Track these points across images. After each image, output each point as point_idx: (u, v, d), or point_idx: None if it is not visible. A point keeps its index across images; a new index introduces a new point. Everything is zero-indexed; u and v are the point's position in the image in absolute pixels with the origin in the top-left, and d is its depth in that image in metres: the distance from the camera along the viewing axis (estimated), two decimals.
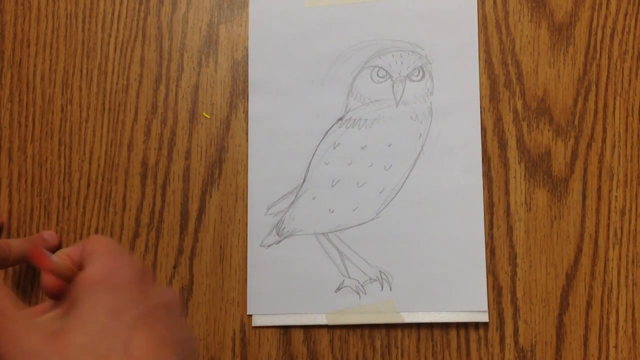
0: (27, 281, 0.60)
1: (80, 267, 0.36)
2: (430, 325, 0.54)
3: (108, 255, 0.36)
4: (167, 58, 0.61)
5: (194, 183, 0.59)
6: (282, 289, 0.57)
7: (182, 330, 0.36)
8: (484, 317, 0.53)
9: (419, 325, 0.54)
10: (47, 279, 0.35)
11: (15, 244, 0.55)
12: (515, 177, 0.55)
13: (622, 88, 0.54)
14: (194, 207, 0.59)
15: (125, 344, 0.33)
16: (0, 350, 0.32)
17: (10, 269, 0.60)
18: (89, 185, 0.60)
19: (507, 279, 0.54)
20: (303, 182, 0.58)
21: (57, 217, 0.60)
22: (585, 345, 0.52)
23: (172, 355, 0.34)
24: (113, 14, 0.62)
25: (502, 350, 0.53)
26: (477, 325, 0.54)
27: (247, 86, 0.59)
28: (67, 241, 0.60)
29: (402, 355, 0.54)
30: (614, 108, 0.54)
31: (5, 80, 0.63)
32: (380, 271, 0.55)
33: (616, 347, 0.52)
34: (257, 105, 0.59)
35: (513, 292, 0.54)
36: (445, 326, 0.54)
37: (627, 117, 0.54)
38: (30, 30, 0.63)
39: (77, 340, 0.32)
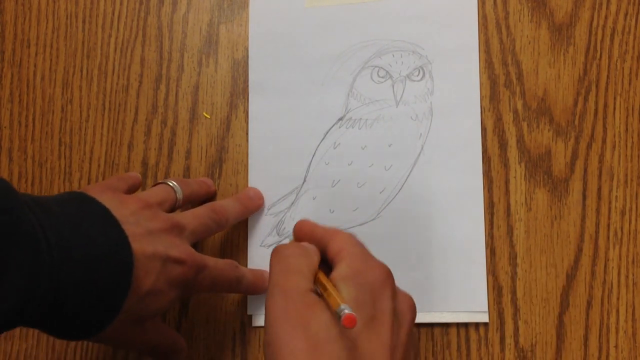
0: None
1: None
2: (431, 325, 0.54)
3: (356, 259, 0.41)
4: (167, 58, 0.61)
5: None
6: None
7: (401, 335, 0.39)
8: (484, 318, 0.53)
9: (419, 326, 0.54)
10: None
11: (231, 208, 0.54)
12: (515, 177, 0.55)
13: (622, 88, 0.54)
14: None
15: (355, 336, 0.37)
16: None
17: None
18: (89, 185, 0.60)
19: (507, 279, 0.54)
20: (303, 182, 0.58)
21: None
22: (586, 345, 0.52)
23: (389, 358, 0.37)
24: (113, 14, 0.62)
25: (503, 350, 0.53)
26: (477, 325, 0.54)
27: (247, 86, 0.60)
28: None
29: None
30: (614, 108, 0.54)
31: (5, 80, 0.63)
32: None
33: (616, 347, 0.52)
34: (257, 105, 0.59)
35: (513, 292, 0.54)
36: (445, 326, 0.54)
37: (627, 117, 0.54)
38: (30, 30, 0.63)
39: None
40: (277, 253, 0.41)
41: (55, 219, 0.42)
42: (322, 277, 0.40)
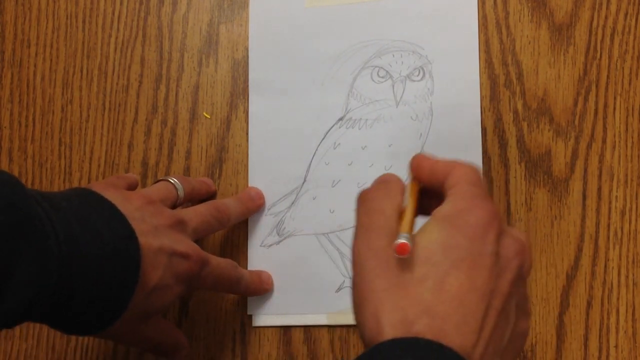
0: None
1: (435, 185, 0.40)
2: None
3: (462, 198, 0.38)
4: (167, 58, 0.61)
5: None
6: (283, 289, 0.57)
7: (501, 283, 0.36)
8: None
9: None
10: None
11: (233, 207, 0.54)
12: (515, 177, 0.55)
13: (622, 88, 0.54)
14: None
15: (441, 278, 0.35)
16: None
17: None
18: None
19: None
20: (303, 182, 0.57)
21: None
22: (586, 345, 0.52)
23: (480, 304, 0.35)
24: (113, 14, 0.62)
25: None
26: None
27: (247, 86, 0.60)
28: None
29: None
30: (614, 108, 0.54)
31: (5, 80, 0.63)
32: None
33: (616, 347, 0.52)
34: (257, 105, 0.59)
35: None
36: None
37: (627, 117, 0.54)
38: (30, 30, 0.63)
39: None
40: (361, 196, 0.41)
41: (63, 213, 0.42)
42: (406, 212, 0.39)
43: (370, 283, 0.36)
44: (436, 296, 0.35)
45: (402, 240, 0.36)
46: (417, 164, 0.42)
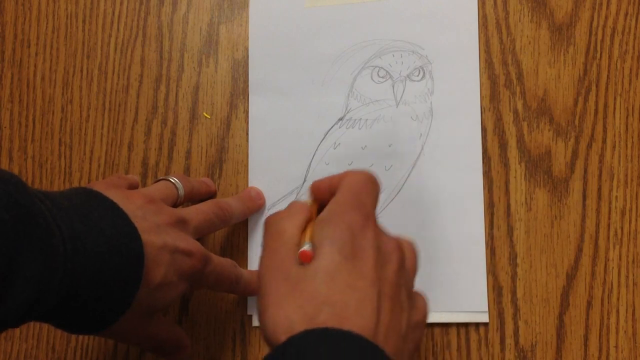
0: None
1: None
2: (431, 326, 0.54)
3: (337, 204, 0.41)
4: (167, 58, 0.61)
5: None
6: None
7: (387, 272, 0.39)
8: (484, 318, 0.53)
9: None
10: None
11: (234, 206, 0.55)
12: (515, 177, 0.55)
13: (622, 88, 0.54)
14: None
15: (332, 270, 0.38)
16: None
17: None
18: None
19: (508, 279, 0.54)
20: (304, 183, 0.58)
21: None
22: (586, 345, 0.52)
23: (371, 289, 0.38)
24: (113, 14, 0.62)
25: (503, 350, 0.53)
26: (477, 325, 0.54)
27: (247, 86, 0.60)
28: None
29: None
30: (614, 108, 0.54)
31: (5, 80, 0.63)
32: None
33: (617, 347, 0.52)
34: (258, 105, 0.59)
35: (513, 292, 0.54)
36: (445, 326, 0.54)
37: (627, 117, 0.54)
38: (30, 30, 0.63)
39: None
40: (267, 221, 0.43)
41: (66, 212, 0.42)
42: (307, 228, 0.42)
43: (273, 292, 0.38)
44: (330, 287, 0.37)
45: (304, 248, 0.39)
46: (316, 184, 0.45)
